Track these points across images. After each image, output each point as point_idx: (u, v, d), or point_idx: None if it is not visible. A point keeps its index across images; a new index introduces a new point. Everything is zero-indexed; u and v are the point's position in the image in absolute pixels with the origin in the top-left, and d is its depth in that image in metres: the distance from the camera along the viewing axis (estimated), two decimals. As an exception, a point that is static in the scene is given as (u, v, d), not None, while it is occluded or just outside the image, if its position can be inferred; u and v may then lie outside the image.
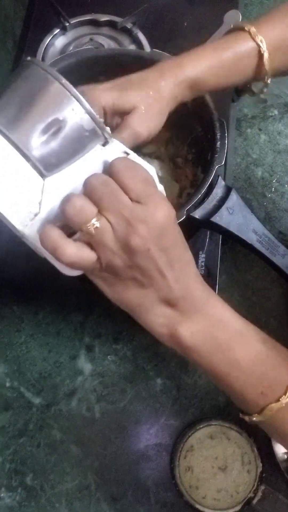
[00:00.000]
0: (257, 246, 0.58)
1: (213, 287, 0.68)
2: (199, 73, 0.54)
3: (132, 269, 0.39)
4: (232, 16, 0.64)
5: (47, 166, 0.39)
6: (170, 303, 0.41)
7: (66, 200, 0.38)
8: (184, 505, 0.64)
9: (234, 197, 0.58)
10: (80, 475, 0.69)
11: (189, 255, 0.42)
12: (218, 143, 0.59)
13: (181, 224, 0.55)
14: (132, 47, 0.82)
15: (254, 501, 0.63)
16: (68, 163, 0.40)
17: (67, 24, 0.83)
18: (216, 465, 0.64)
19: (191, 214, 0.56)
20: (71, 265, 0.40)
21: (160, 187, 0.43)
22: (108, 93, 0.52)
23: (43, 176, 0.39)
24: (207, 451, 0.64)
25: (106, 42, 0.82)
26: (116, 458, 0.70)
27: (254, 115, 0.87)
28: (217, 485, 0.63)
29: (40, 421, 0.72)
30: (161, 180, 0.67)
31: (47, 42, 0.83)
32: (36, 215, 0.40)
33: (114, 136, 0.42)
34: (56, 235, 0.38)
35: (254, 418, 0.43)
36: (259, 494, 0.63)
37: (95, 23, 0.84)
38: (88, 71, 0.67)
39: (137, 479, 0.69)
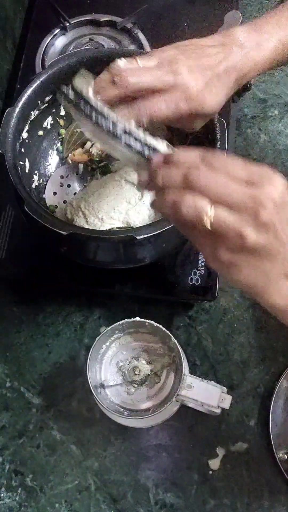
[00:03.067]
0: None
1: (213, 287, 0.68)
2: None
3: (260, 247, 0.39)
4: (232, 17, 0.63)
5: None
6: None
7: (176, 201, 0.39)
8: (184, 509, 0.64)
9: (234, 197, 0.58)
10: (80, 475, 0.69)
11: None
12: (218, 143, 0.59)
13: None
14: (132, 47, 0.82)
15: None
16: None
17: (67, 24, 0.83)
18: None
19: (191, 214, 0.56)
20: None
21: None
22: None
23: None
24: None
25: (106, 42, 0.82)
26: (116, 458, 0.70)
27: (254, 115, 0.87)
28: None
29: (40, 421, 0.72)
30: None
31: (47, 42, 0.83)
32: None
33: None
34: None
35: None
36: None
37: (95, 23, 0.84)
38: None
39: (137, 479, 0.69)
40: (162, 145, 0.44)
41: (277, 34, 0.53)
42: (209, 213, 0.38)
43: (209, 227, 0.38)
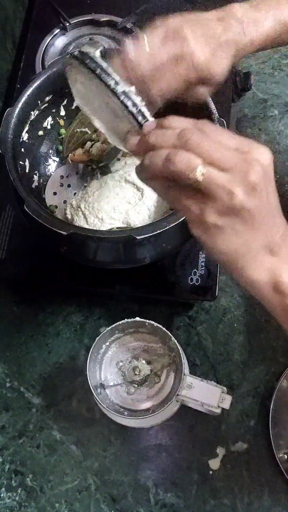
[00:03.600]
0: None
1: (213, 287, 0.68)
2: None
3: (246, 210, 0.40)
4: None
5: None
6: (273, 250, 0.42)
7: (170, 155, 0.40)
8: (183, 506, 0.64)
9: (234, 197, 0.58)
10: (80, 476, 0.69)
11: None
12: (218, 143, 0.58)
13: (181, 224, 0.55)
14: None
15: None
16: None
17: (67, 24, 0.83)
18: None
19: (191, 214, 0.56)
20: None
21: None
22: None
23: None
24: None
25: (106, 42, 0.82)
26: (116, 459, 0.70)
27: (254, 115, 0.87)
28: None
29: (40, 421, 0.72)
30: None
31: (47, 42, 0.83)
32: None
33: None
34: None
35: None
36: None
37: (95, 23, 0.84)
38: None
39: (137, 480, 0.69)
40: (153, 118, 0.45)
41: (275, 14, 0.54)
42: (202, 170, 0.39)
43: (200, 179, 0.39)
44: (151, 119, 0.45)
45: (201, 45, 0.51)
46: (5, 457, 0.71)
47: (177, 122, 0.43)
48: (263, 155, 0.41)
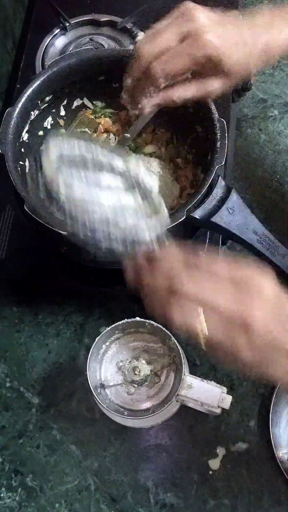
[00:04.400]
0: (257, 246, 0.58)
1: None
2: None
3: (256, 358, 0.40)
4: (232, 16, 0.64)
5: None
6: None
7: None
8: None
9: (234, 197, 0.58)
10: (80, 476, 0.69)
11: None
12: (218, 143, 0.59)
13: (181, 224, 0.55)
14: (132, 47, 0.82)
15: None
16: None
17: (67, 24, 0.83)
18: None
19: (191, 214, 0.56)
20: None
21: (159, 199, 0.42)
22: None
23: None
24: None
25: (106, 42, 0.82)
26: (116, 459, 0.70)
27: (254, 115, 0.87)
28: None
29: (39, 421, 0.72)
30: (163, 179, 0.68)
31: (47, 42, 0.83)
32: None
33: None
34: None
35: None
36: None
37: (95, 23, 0.84)
38: (88, 71, 0.67)
39: (136, 480, 0.69)
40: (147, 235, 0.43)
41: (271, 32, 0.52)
42: (202, 324, 0.38)
43: (204, 348, 0.39)
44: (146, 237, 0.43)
45: (214, 25, 0.47)
46: (5, 457, 0.71)
47: (168, 261, 0.41)
48: (264, 287, 0.39)
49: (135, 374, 0.66)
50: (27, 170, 0.67)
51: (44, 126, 0.71)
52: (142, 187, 0.45)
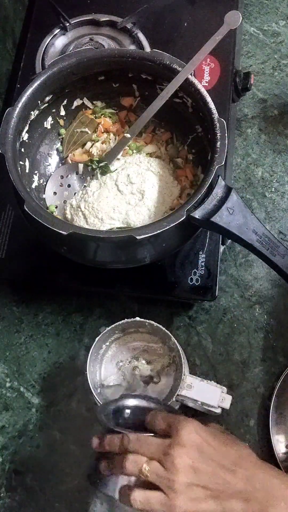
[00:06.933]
0: (257, 246, 0.58)
1: (213, 287, 0.68)
2: None
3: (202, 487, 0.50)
4: (232, 17, 0.63)
5: None
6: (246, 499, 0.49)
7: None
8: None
9: (234, 197, 0.58)
10: (80, 476, 0.69)
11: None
12: (218, 143, 0.59)
13: (181, 224, 0.55)
14: (132, 47, 0.82)
15: None
16: None
17: (67, 24, 0.83)
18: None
19: (191, 214, 0.56)
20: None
21: None
22: None
23: None
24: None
25: (106, 42, 0.82)
26: (116, 458, 0.70)
27: (254, 115, 0.87)
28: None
29: (39, 421, 0.72)
30: (163, 179, 0.68)
31: (47, 42, 0.83)
32: None
33: None
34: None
35: None
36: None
37: (95, 23, 0.84)
38: (88, 71, 0.67)
39: (137, 479, 0.69)
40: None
41: None
42: (146, 468, 0.50)
43: (148, 475, 0.51)
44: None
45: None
46: (5, 457, 0.71)
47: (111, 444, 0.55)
48: (183, 437, 0.50)
49: (135, 374, 0.66)
50: (27, 170, 0.67)
51: (44, 126, 0.71)
52: None
